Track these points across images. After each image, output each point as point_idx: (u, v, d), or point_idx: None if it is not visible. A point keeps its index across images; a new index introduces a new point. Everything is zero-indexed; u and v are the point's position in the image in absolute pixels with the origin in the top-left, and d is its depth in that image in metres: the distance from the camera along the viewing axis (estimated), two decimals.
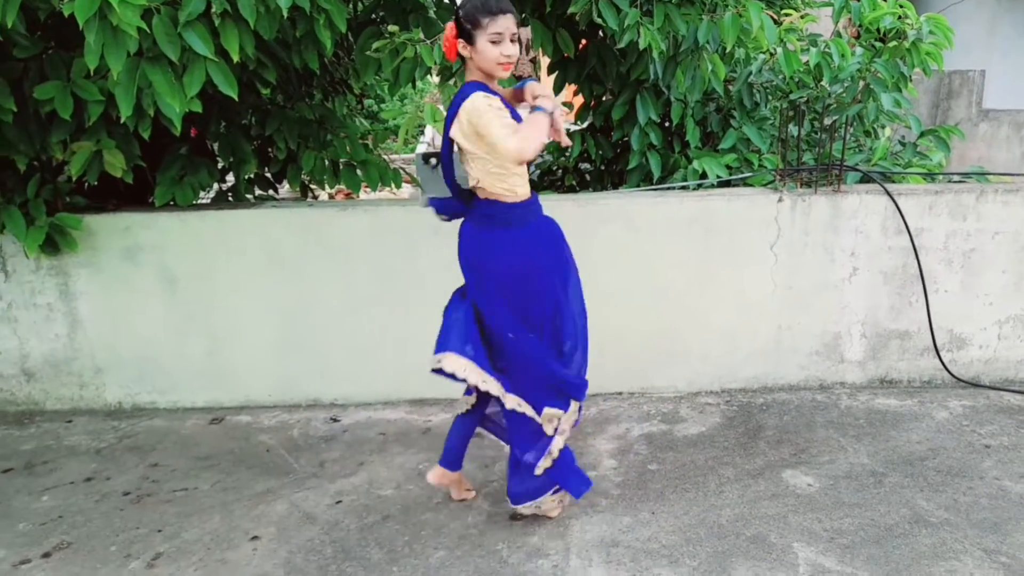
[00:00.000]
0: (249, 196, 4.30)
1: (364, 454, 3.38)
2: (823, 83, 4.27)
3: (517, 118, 2.40)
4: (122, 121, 2.95)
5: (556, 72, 4.21)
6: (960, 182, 4.06)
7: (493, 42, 2.30)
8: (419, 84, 3.60)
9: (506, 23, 2.29)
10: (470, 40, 2.33)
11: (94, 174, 3.43)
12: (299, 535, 2.81)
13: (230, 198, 4.24)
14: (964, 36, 4.09)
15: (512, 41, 2.32)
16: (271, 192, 4.51)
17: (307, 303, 3.75)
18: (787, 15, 4.43)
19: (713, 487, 3.02)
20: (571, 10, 3.34)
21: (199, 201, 3.88)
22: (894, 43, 4.04)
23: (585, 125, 4.52)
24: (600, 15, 3.29)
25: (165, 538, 2.81)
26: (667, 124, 4.29)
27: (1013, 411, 3.59)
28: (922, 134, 4.32)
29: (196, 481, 3.20)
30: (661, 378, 3.85)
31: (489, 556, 2.65)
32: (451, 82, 3.36)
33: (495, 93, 2.40)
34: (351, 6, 3.96)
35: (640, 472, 3.14)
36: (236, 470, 3.29)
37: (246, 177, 4.16)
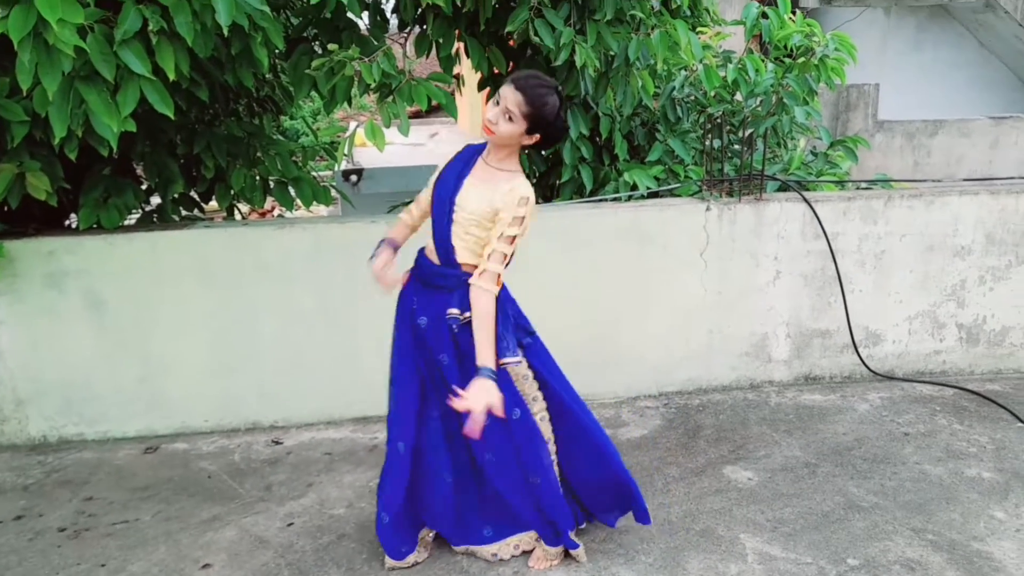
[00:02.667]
0: (175, 216, 4.19)
1: (311, 475, 3.34)
2: (738, 97, 4.51)
3: (456, 181, 2.36)
4: (56, 142, 2.84)
5: (487, 88, 4.29)
6: (868, 188, 4.35)
7: (495, 102, 2.26)
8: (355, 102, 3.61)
9: (511, 96, 2.20)
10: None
11: (16, 197, 3.29)
12: (252, 560, 2.75)
13: (155, 219, 4.12)
14: (858, 52, 4.37)
15: (508, 117, 2.21)
16: (197, 212, 4.41)
17: (244, 324, 3.68)
18: (701, 33, 4.66)
19: (660, 486, 3.13)
20: (508, 29, 3.43)
21: (124, 223, 3.77)
22: (803, 59, 4.31)
23: None
24: (536, 33, 3.39)
25: (109, 572, 2.70)
26: (596, 138, 4.43)
27: (926, 400, 3.86)
28: (832, 144, 4.60)
29: (136, 512, 3.09)
30: (601, 384, 3.96)
31: (450, 567, 2.67)
32: (388, 99, 3.38)
33: (467, 161, 2.40)
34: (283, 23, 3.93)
35: None
36: (177, 499, 3.19)
37: (173, 197, 4.05)
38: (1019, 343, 4.16)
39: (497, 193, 2.28)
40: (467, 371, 2.35)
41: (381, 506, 2.62)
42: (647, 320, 3.91)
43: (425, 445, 2.58)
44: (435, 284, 2.41)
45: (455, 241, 2.34)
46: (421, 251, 2.51)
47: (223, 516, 3.05)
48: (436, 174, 2.46)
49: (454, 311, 2.36)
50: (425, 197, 2.50)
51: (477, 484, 2.63)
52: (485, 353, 2.28)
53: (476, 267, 2.33)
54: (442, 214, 2.36)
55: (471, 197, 2.31)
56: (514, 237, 2.28)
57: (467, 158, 2.41)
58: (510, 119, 2.22)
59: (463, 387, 2.30)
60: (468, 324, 2.34)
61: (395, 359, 2.56)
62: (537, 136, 2.28)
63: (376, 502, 2.67)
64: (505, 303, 2.42)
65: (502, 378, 2.35)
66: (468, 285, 2.32)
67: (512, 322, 2.46)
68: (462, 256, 2.35)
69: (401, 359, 2.54)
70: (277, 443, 3.65)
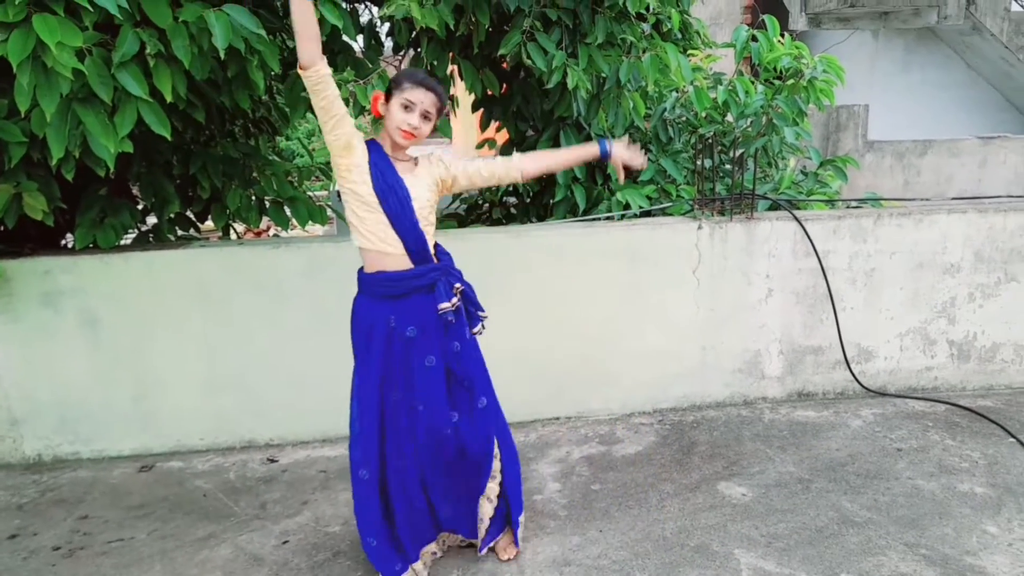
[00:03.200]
0: (171, 236, 4.21)
1: (307, 493, 3.35)
2: (729, 118, 4.58)
3: (400, 185, 2.42)
4: (53, 163, 2.87)
5: (481, 109, 4.34)
6: (858, 207, 4.40)
7: (404, 107, 2.38)
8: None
9: (422, 96, 2.37)
10: (387, 99, 2.42)
11: (12, 217, 3.31)
12: None
13: (151, 239, 4.15)
14: (848, 74, 4.45)
15: (424, 117, 2.40)
16: (193, 232, 4.43)
17: (239, 343, 3.69)
18: (692, 55, 4.74)
19: (655, 502, 3.14)
20: (501, 52, 3.49)
21: (120, 243, 3.79)
22: (792, 81, 4.37)
23: None
24: (529, 56, 3.45)
25: None
26: None
27: (918, 416, 3.88)
28: (822, 164, 4.66)
29: (131, 531, 3.09)
30: (596, 401, 3.98)
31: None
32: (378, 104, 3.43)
33: (384, 155, 2.44)
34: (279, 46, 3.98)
35: (584, 493, 3.23)
36: (173, 517, 3.19)
37: (168, 217, 4.08)
38: (1009, 359, 4.19)
39: (430, 174, 2.52)
40: (459, 360, 2.56)
41: (364, 532, 2.61)
42: (641, 337, 3.93)
43: (392, 466, 2.57)
44: (412, 289, 2.46)
45: (425, 229, 2.47)
46: (369, 274, 2.49)
47: (218, 534, 3.04)
48: (356, 143, 2.38)
49: (445, 305, 2.47)
50: (351, 138, 2.38)
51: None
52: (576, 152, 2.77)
53: (434, 249, 2.52)
54: (403, 214, 2.41)
55: (416, 187, 2.46)
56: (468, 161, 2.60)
57: (383, 161, 2.43)
58: (427, 118, 2.42)
59: (445, 374, 2.54)
60: (456, 309, 2.52)
61: (361, 386, 2.53)
62: (435, 125, 2.51)
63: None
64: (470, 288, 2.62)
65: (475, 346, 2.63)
66: (444, 275, 2.50)
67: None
68: (431, 242, 2.50)
69: (366, 383, 2.51)
70: (272, 461, 3.65)
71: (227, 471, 3.57)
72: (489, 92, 3.99)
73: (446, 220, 4.69)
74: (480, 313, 2.64)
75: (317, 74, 2.26)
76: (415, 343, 2.48)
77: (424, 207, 2.47)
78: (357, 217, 2.43)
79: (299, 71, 2.27)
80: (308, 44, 2.25)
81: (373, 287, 2.49)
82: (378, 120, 2.51)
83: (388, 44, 4.18)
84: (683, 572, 2.69)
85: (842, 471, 3.36)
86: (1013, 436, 3.63)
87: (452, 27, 3.46)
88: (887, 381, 4.16)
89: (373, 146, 2.45)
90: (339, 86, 3.31)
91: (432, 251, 2.51)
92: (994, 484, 3.22)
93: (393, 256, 2.44)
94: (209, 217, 4.27)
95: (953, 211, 4.00)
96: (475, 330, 2.63)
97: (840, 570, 2.68)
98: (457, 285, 2.54)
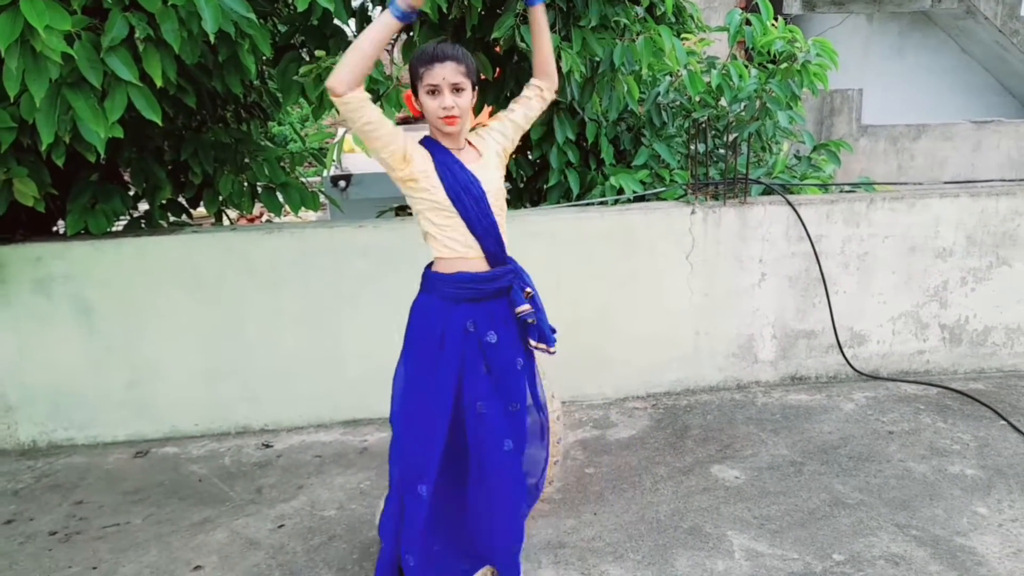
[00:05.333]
0: (163, 222, 4.20)
1: (302, 477, 3.36)
2: (723, 102, 4.56)
3: (473, 179, 2.21)
4: (43, 148, 2.85)
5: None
6: (851, 191, 4.40)
7: (430, 93, 2.12)
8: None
9: (443, 72, 2.08)
10: (415, 93, 2.17)
11: (3, 204, 3.30)
12: (244, 561, 2.76)
13: (143, 225, 4.13)
14: (841, 57, 4.43)
15: (456, 90, 2.10)
16: (185, 218, 4.42)
17: (233, 328, 3.69)
18: (685, 39, 4.71)
19: (648, 485, 3.16)
20: (495, 35, 3.46)
21: (112, 229, 3.77)
22: (785, 65, 4.36)
23: None
24: (523, 39, 3.43)
25: (100, 575, 2.71)
26: (583, 143, 4.47)
27: (910, 399, 3.90)
28: (815, 148, 4.66)
29: (127, 516, 3.10)
30: (590, 386, 3.99)
31: None
32: (376, 104, 3.40)
33: (447, 150, 2.22)
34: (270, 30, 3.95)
35: (579, 476, 3.25)
36: (168, 502, 3.20)
37: (160, 203, 4.06)
38: (1001, 342, 4.21)
39: (494, 153, 2.30)
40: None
41: (404, 548, 2.40)
42: (635, 322, 3.94)
43: (448, 481, 2.39)
44: (490, 293, 2.29)
45: (501, 224, 2.28)
46: (439, 272, 2.30)
47: (214, 519, 3.05)
48: (411, 152, 2.17)
49: (522, 308, 2.30)
50: (406, 147, 2.18)
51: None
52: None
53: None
54: (480, 213, 2.21)
55: (489, 180, 2.24)
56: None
57: (446, 157, 2.21)
58: (459, 90, 2.12)
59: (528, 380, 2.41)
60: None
61: (423, 396, 2.32)
62: (476, 91, 2.21)
63: (381, 536, 2.55)
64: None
65: (530, 367, 2.45)
66: (516, 277, 2.35)
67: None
68: (506, 237, 2.32)
69: (436, 393, 2.30)
70: (267, 446, 3.66)
71: (222, 456, 3.57)
72: (483, 76, 3.97)
73: None
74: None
75: (356, 98, 2.03)
76: (498, 348, 2.31)
77: (498, 196, 2.27)
78: (435, 226, 2.23)
79: (333, 97, 2.03)
80: (360, 71, 2.02)
81: (446, 288, 2.27)
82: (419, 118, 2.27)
83: None
84: (676, 554, 2.71)
85: (834, 454, 3.38)
86: (1004, 418, 3.65)
87: (445, 10, 3.44)
88: (879, 365, 4.18)
89: (432, 144, 2.23)
90: (331, 70, 3.31)
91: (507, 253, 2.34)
92: (985, 466, 3.25)
93: (473, 260, 2.26)
94: (201, 203, 4.25)
95: (946, 195, 4.01)
96: (552, 348, 2.41)
97: (832, 551, 2.70)
98: (528, 290, 2.37)
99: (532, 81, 2.40)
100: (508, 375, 2.35)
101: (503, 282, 2.30)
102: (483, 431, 2.32)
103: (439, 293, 2.29)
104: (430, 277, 2.33)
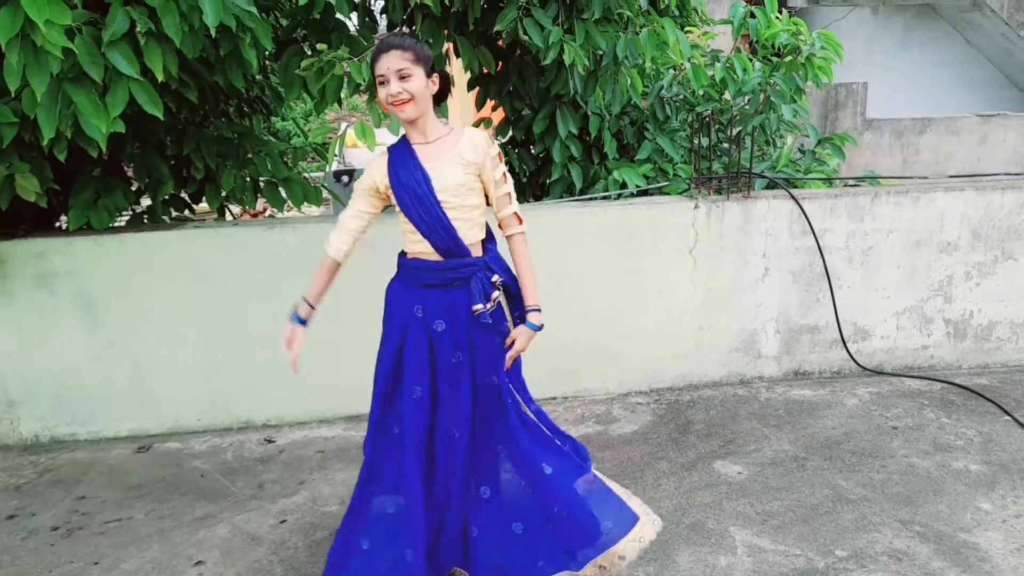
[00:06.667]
0: (165, 217, 4.19)
1: (304, 473, 3.36)
2: (727, 96, 4.54)
3: (420, 177, 2.23)
4: (44, 144, 2.85)
5: (477, 88, 4.31)
6: (855, 186, 4.38)
7: (380, 83, 2.18)
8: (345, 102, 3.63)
9: (387, 62, 2.13)
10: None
11: (5, 199, 3.29)
12: (245, 557, 2.76)
13: (145, 220, 4.13)
14: (847, 50, 4.40)
15: (402, 77, 2.14)
16: (187, 213, 4.41)
17: (235, 323, 3.69)
18: (689, 32, 4.69)
19: (651, 481, 3.16)
20: (497, 28, 3.45)
21: (114, 224, 3.77)
22: (790, 58, 4.34)
23: (506, 139, 4.63)
24: (525, 33, 3.41)
25: (103, 570, 2.71)
26: (585, 137, 4.45)
27: (914, 395, 3.89)
28: (819, 142, 4.64)
29: (129, 511, 3.10)
30: (592, 381, 3.98)
31: None
32: (373, 104, 3.40)
33: (407, 146, 2.27)
34: (272, 24, 3.94)
35: None
36: (170, 497, 3.20)
37: (163, 198, 4.06)
38: (1006, 337, 4.19)
39: (459, 155, 2.24)
40: (480, 362, 2.33)
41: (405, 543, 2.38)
42: (638, 317, 3.93)
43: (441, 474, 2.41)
44: (444, 282, 2.29)
45: (458, 225, 2.24)
46: (404, 256, 2.37)
47: (215, 514, 3.06)
48: (378, 180, 2.30)
49: (479, 307, 2.26)
50: (357, 222, 2.37)
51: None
52: (534, 293, 2.35)
53: (479, 242, 2.32)
54: (429, 213, 2.23)
55: (444, 177, 2.22)
56: (505, 172, 2.33)
57: (402, 156, 2.27)
58: (405, 76, 2.14)
59: (467, 383, 2.33)
60: (495, 309, 2.30)
61: (406, 382, 2.36)
62: (436, 78, 2.22)
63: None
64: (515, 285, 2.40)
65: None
66: (481, 271, 2.29)
67: None
68: (468, 236, 2.28)
69: (415, 378, 2.34)
70: (269, 441, 3.66)
71: (224, 452, 3.58)
72: (485, 70, 3.96)
73: None
74: (530, 316, 2.34)
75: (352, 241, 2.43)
76: (443, 338, 2.31)
77: (453, 191, 2.22)
78: (400, 219, 2.32)
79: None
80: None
81: (404, 273, 2.36)
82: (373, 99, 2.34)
83: (383, 22, 4.14)
84: (679, 549, 2.70)
85: (837, 449, 3.37)
86: (1008, 414, 3.64)
87: (447, 3, 3.43)
88: (883, 360, 4.16)
89: (397, 147, 2.30)
90: (333, 64, 3.30)
91: (477, 243, 2.31)
92: (988, 462, 3.23)
93: (429, 252, 2.29)
94: (204, 198, 4.24)
95: (951, 189, 3.99)
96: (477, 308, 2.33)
97: (835, 547, 2.69)
98: (496, 278, 2.32)
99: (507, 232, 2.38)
100: (451, 364, 2.33)
101: (459, 274, 2.28)
102: (421, 415, 2.36)
103: (401, 277, 2.39)
104: (398, 261, 2.42)
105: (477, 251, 2.32)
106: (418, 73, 2.16)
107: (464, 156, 2.24)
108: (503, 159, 2.34)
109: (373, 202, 2.36)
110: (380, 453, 2.43)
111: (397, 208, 2.30)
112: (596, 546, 2.31)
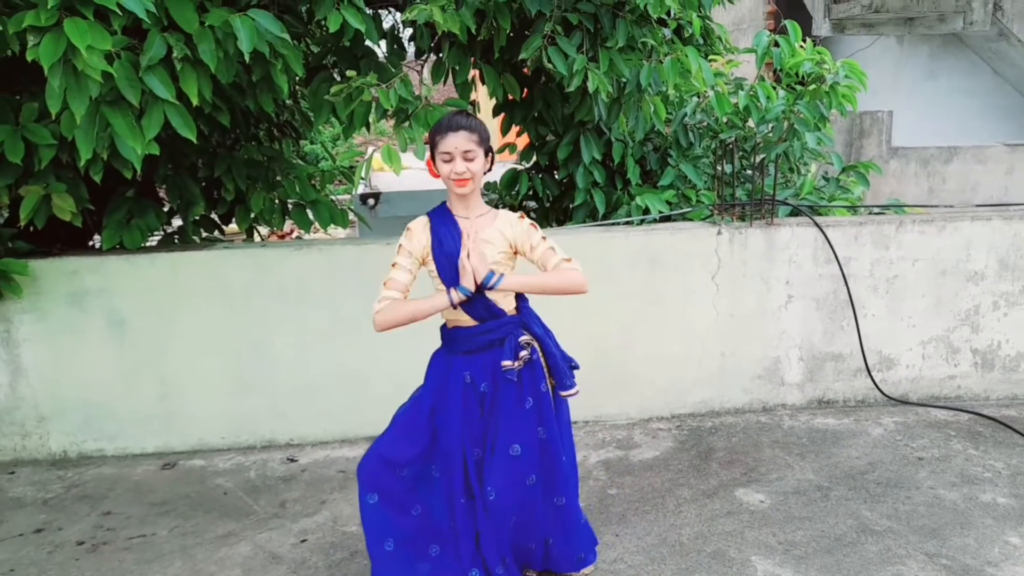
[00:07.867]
0: (195, 238, 4.28)
1: (325, 492, 3.38)
2: (750, 123, 4.56)
3: (455, 247, 2.31)
4: (81, 165, 2.93)
5: (502, 114, 4.37)
6: (880, 214, 4.36)
7: (444, 161, 2.28)
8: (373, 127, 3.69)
9: (456, 141, 2.25)
10: (433, 160, 2.34)
11: (42, 218, 3.38)
12: (266, 575, 2.78)
13: (176, 240, 4.21)
14: (872, 79, 4.41)
15: (468, 159, 2.26)
16: (217, 233, 4.50)
17: (261, 343, 3.74)
18: (713, 60, 4.73)
19: (672, 508, 3.14)
20: (522, 56, 3.50)
21: (146, 244, 3.85)
22: (814, 86, 4.35)
23: (530, 164, 4.68)
24: (550, 60, 3.46)
25: None
26: (609, 163, 4.48)
27: (940, 425, 3.84)
28: (844, 169, 4.63)
29: (153, 527, 3.14)
30: (613, 406, 3.98)
31: None
32: (405, 124, 3.46)
33: (450, 217, 2.36)
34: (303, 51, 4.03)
35: (601, 497, 3.23)
36: (194, 514, 3.23)
37: (193, 219, 4.14)
38: None
39: (499, 231, 2.35)
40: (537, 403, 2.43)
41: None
42: (659, 342, 3.93)
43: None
44: (484, 345, 2.39)
45: (492, 296, 2.34)
46: (445, 330, 2.46)
47: (238, 532, 3.08)
48: (423, 244, 2.36)
49: (507, 363, 2.33)
50: (407, 277, 2.38)
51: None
52: (526, 280, 2.34)
53: (512, 304, 2.43)
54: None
55: (483, 251, 2.32)
56: (544, 235, 2.40)
57: (446, 225, 2.36)
58: (470, 158, 2.27)
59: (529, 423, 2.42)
60: (526, 364, 2.38)
61: (467, 447, 2.44)
62: (490, 156, 2.35)
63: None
64: (552, 342, 2.48)
65: (563, 407, 2.56)
66: (514, 330, 2.39)
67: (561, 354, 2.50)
68: (503, 303, 2.39)
69: (474, 442, 2.44)
70: (292, 460, 3.69)
71: (248, 470, 3.61)
72: (510, 96, 4.01)
73: None
74: (571, 368, 2.49)
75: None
76: (487, 396, 2.41)
77: (496, 267, 2.32)
78: (435, 283, 2.39)
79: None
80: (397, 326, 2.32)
81: (450, 344, 2.44)
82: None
83: (411, 49, 4.22)
84: None
85: (862, 479, 3.33)
86: None
87: (474, 31, 3.49)
88: (909, 389, 4.12)
89: (439, 213, 2.39)
90: (362, 90, 3.36)
91: (510, 305, 2.42)
92: (1017, 495, 3.18)
93: (464, 318, 2.38)
94: (233, 219, 4.33)
95: (977, 218, 3.96)
96: (565, 393, 2.48)
97: None
98: (524, 337, 2.39)
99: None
100: (505, 418, 2.40)
101: (496, 335, 2.38)
102: (477, 474, 2.43)
103: (446, 347, 2.48)
104: (441, 333, 2.50)
105: (510, 310, 2.43)
106: (480, 155, 2.30)
107: (503, 232, 2.36)
108: (537, 227, 2.41)
109: (415, 263, 2.39)
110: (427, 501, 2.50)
111: (433, 273, 2.37)
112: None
